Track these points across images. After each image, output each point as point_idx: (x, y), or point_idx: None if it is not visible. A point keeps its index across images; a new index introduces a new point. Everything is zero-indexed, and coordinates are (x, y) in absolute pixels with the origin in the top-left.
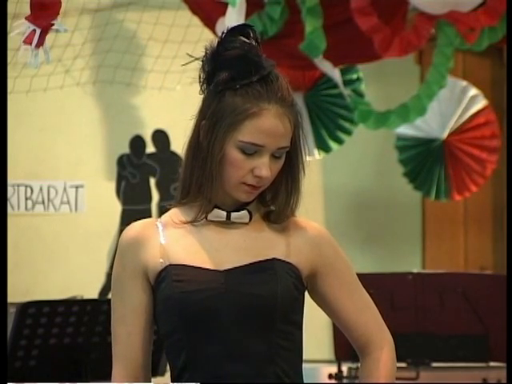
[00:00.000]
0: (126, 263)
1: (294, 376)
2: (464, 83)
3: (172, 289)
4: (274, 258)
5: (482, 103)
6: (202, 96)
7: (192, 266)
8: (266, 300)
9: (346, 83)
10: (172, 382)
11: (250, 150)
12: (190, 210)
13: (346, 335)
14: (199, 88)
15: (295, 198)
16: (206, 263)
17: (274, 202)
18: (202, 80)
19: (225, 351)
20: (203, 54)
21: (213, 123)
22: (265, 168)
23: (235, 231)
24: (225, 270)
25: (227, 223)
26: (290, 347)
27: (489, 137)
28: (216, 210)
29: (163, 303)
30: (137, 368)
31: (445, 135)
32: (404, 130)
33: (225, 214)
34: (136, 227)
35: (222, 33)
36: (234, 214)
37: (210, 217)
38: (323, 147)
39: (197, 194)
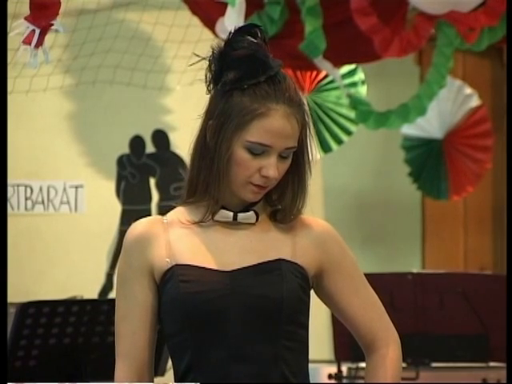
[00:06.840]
0: (131, 261)
1: (299, 376)
2: (459, 82)
3: (178, 289)
4: (280, 259)
5: (475, 102)
6: (209, 96)
7: (198, 267)
8: (271, 301)
9: (349, 86)
10: (176, 382)
11: (258, 150)
12: (197, 210)
13: (352, 332)
14: (206, 88)
15: (302, 197)
16: (212, 264)
17: (281, 201)
18: (208, 80)
19: (230, 352)
20: (210, 53)
21: (220, 123)
22: (272, 168)
23: (241, 232)
24: (231, 271)
25: (234, 224)
26: (296, 348)
27: (482, 135)
28: (222, 211)
29: (169, 304)
30: (141, 366)
31: (443, 135)
32: (409, 130)
33: (231, 214)
34: (142, 224)
35: (230, 32)
36: (240, 215)
37: (216, 217)
38: (324, 147)
39: (203, 194)
